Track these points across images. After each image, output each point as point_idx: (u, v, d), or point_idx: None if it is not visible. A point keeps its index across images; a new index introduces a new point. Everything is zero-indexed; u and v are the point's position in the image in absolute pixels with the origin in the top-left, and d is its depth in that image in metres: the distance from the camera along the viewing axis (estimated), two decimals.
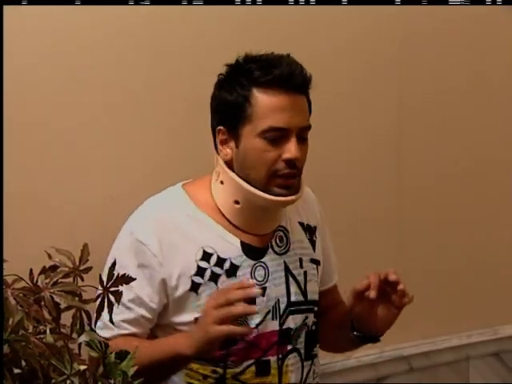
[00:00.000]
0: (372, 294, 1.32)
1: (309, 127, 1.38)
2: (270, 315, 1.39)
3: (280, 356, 1.40)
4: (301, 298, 1.43)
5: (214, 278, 1.36)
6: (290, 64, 1.36)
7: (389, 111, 2.08)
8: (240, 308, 1.26)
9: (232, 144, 1.37)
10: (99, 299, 0.89)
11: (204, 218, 1.40)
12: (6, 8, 1.42)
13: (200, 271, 1.36)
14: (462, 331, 2.28)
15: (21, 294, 0.81)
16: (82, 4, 1.56)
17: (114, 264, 0.99)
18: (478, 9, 2.07)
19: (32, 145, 1.56)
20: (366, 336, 1.43)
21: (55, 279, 0.84)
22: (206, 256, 1.37)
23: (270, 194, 1.34)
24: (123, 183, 1.63)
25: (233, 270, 1.37)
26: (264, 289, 1.38)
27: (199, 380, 1.37)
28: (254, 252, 1.40)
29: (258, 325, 1.37)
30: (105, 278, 0.90)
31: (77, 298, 0.84)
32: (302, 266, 1.45)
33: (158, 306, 1.36)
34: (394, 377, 2.14)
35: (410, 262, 2.15)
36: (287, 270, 1.42)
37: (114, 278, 0.88)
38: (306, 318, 1.44)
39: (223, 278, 1.36)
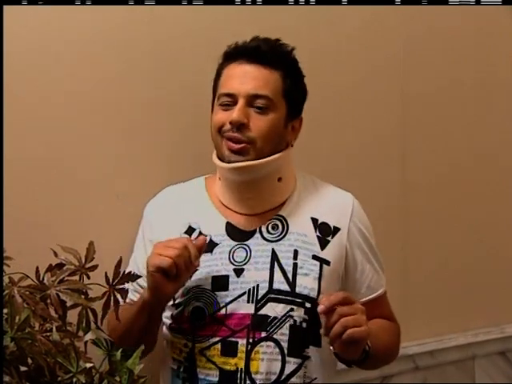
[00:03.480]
0: (321, 331, 1.32)
1: (262, 96, 1.39)
2: (245, 297, 1.39)
3: (250, 341, 1.38)
4: (285, 288, 1.40)
5: None
6: (256, 39, 1.44)
7: (393, 108, 2.08)
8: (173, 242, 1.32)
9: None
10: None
11: (203, 197, 1.49)
12: (6, 8, 1.42)
13: None
14: (468, 330, 2.27)
15: (27, 292, 0.81)
16: (81, 4, 1.56)
17: (119, 261, 0.99)
18: (481, 8, 2.06)
19: (38, 143, 1.56)
20: (343, 360, 1.42)
21: (61, 277, 0.84)
22: (190, 230, 1.44)
23: (224, 160, 1.40)
24: (129, 181, 1.63)
25: (210, 247, 1.41)
26: (241, 270, 1.40)
27: (177, 354, 1.42)
28: (238, 233, 1.43)
29: (227, 303, 1.38)
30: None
31: (83, 296, 0.84)
32: (295, 258, 1.43)
33: None
34: (399, 376, 2.13)
35: (415, 261, 2.15)
36: (274, 258, 1.41)
37: (120, 275, 0.88)
38: (291, 310, 1.40)
39: None
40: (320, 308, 1.30)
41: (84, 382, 0.84)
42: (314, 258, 1.44)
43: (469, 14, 2.11)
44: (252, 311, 1.38)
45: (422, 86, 2.10)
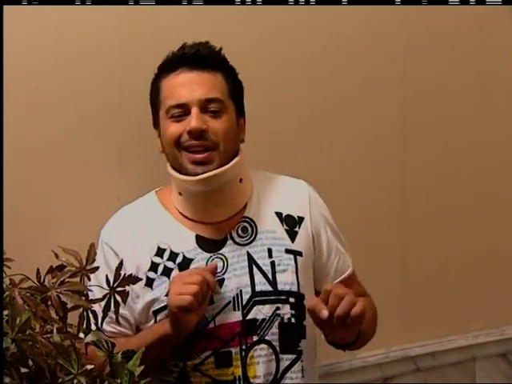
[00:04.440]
0: (324, 313, 1.29)
1: (215, 100, 1.39)
2: (231, 306, 1.38)
3: (243, 347, 1.38)
4: (268, 288, 1.40)
5: (167, 272, 1.39)
6: (191, 46, 1.42)
7: (393, 109, 2.08)
8: (198, 277, 1.29)
9: (158, 135, 1.44)
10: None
11: (163, 215, 1.44)
12: (6, 8, 1.42)
13: (153, 267, 1.39)
14: (469, 331, 2.27)
15: (28, 294, 0.81)
16: (81, 4, 1.56)
17: (120, 263, 0.98)
18: (481, 8, 2.06)
19: (37, 144, 1.56)
20: (336, 345, 1.43)
21: (62, 279, 0.84)
22: (160, 252, 1.40)
23: (187, 173, 1.37)
24: (129, 183, 1.63)
25: (186, 264, 1.39)
26: (222, 280, 1.39)
27: (166, 375, 1.39)
28: (210, 244, 1.41)
29: (215, 316, 1.37)
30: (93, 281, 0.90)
31: (83, 298, 0.84)
32: (270, 256, 1.43)
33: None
34: (400, 377, 2.14)
35: (415, 262, 2.15)
36: (251, 260, 1.41)
37: (121, 278, 0.88)
38: (278, 308, 1.40)
39: (176, 271, 1.38)
40: (324, 314, 1.28)
41: (85, 383, 0.83)
42: (288, 251, 1.44)
43: (469, 14, 2.11)
44: (240, 318, 1.38)
45: (422, 87, 2.10)
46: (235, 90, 1.45)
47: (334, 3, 1.85)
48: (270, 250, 1.43)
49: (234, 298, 1.38)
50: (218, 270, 1.39)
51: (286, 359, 1.41)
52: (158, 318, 1.38)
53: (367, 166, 2.03)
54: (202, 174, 1.36)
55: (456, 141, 2.20)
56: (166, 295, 1.36)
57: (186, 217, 1.43)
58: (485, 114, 2.25)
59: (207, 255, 1.40)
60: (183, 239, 1.41)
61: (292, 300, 1.42)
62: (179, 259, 1.39)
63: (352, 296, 1.30)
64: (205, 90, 1.38)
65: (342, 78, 1.96)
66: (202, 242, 1.41)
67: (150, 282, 1.39)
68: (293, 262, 1.44)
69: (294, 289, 1.42)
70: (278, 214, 1.47)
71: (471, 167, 2.24)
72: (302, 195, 1.52)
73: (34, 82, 1.54)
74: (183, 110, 1.37)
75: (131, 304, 1.38)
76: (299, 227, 1.48)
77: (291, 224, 1.47)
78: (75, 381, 0.82)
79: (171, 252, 1.40)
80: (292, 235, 1.46)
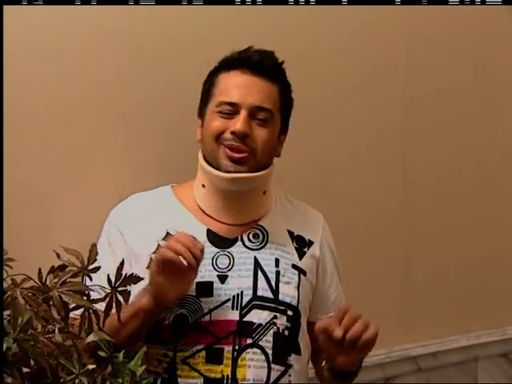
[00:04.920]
0: (337, 332, 1.27)
1: (265, 109, 1.40)
2: (230, 304, 1.37)
3: (236, 347, 1.37)
4: (269, 295, 1.40)
5: None
6: (258, 51, 1.43)
7: (394, 110, 2.08)
8: (176, 244, 1.26)
9: (201, 124, 1.45)
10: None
11: (177, 205, 1.45)
12: (6, 8, 1.43)
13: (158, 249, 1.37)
14: (471, 332, 2.27)
15: (30, 294, 0.81)
16: (81, 4, 1.56)
17: (122, 263, 0.98)
18: (482, 8, 2.07)
19: (38, 144, 1.56)
20: (337, 372, 1.40)
21: (63, 279, 0.84)
22: (169, 237, 1.38)
23: (220, 169, 1.38)
24: (131, 181, 1.63)
25: None
26: (225, 277, 1.39)
27: (155, 366, 1.37)
28: (220, 241, 1.40)
29: (211, 310, 1.36)
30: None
31: (85, 298, 0.84)
32: (277, 266, 1.43)
33: None
34: (402, 377, 2.13)
35: (417, 262, 2.15)
36: (257, 265, 1.41)
37: (122, 277, 0.88)
38: (275, 317, 1.40)
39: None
40: (338, 334, 1.27)
41: (86, 383, 0.83)
42: (294, 267, 1.45)
43: (469, 14, 2.11)
44: (237, 318, 1.37)
45: (423, 86, 2.10)
46: (286, 105, 1.47)
47: (334, 3, 1.85)
48: (277, 260, 1.43)
49: (234, 296, 1.38)
50: (223, 267, 1.39)
51: (277, 370, 1.39)
52: None
53: (368, 165, 2.03)
54: (234, 172, 1.37)
55: (458, 139, 2.20)
56: None
57: (202, 210, 1.43)
58: (485, 114, 2.25)
59: (215, 250, 1.40)
60: (194, 230, 1.38)
61: (290, 313, 1.42)
62: None
63: (366, 319, 1.30)
64: (259, 98, 1.39)
65: (343, 77, 1.96)
66: (213, 237, 1.41)
67: None
68: (297, 277, 1.45)
69: (294, 303, 1.42)
70: (290, 232, 1.49)
71: (471, 167, 2.24)
72: (316, 222, 1.54)
73: (34, 81, 1.54)
74: (233, 109, 1.38)
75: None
76: (308, 249, 1.49)
77: (301, 244, 1.49)
78: (77, 381, 0.83)
79: None
80: (300, 253, 1.48)
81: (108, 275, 0.95)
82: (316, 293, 1.51)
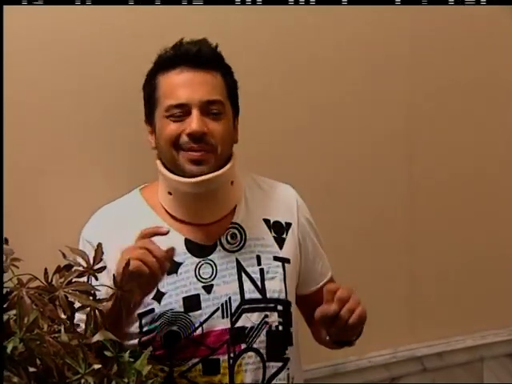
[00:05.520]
0: (334, 307, 1.27)
1: (216, 101, 1.35)
2: (219, 313, 1.36)
3: (232, 355, 1.35)
4: (257, 296, 1.38)
5: None
6: (190, 44, 1.37)
7: (399, 110, 2.07)
8: (143, 241, 1.23)
9: (152, 131, 1.41)
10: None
11: (149, 215, 1.40)
12: (6, 8, 1.43)
13: None
14: (476, 332, 2.27)
15: (36, 294, 0.81)
16: (81, 4, 1.56)
17: (128, 263, 0.97)
18: (486, 8, 2.06)
19: (40, 144, 1.57)
20: (339, 341, 1.41)
21: (69, 278, 0.84)
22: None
23: (182, 174, 1.34)
24: (131, 184, 1.63)
25: (174, 267, 1.35)
26: (211, 286, 1.36)
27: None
28: (199, 249, 1.38)
29: (202, 323, 1.35)
30: None
31: (91, 298, 0.84)
32: (259, 264, 1.41)
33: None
34: (407, 377, 2.13)
35: (422, 262, 2.14)
36: (240, 268, 1.39)
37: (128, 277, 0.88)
38: (266, 316, 1.39)
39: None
40: (332, 308, 1.27)
41: (92, 383, 0.84)
42: (276, 259, 1.43)
43: (473, 14, 2.11)
44: (228, 326, 1.36)
45: (428, 86, 2.10)
46: (232, 89, 1.42)
47: (334, 3, 1.84)
48: (258, 257, 1.41)
49: (222, 305, 1.36)
50: (207, 276, 1.37)
51: (273, 367, 1.40)
52: (143, 321, 1.34)
53: (373, 165, 2.03)
54: (198, 174, 1.33)
55: (464, 140, 2.19)
56: (153, 298, 1.32)
57: (174, 217, 1.39)
58: (490, 114, 2.24)
59: (196, 260, 1.37)
60: (172, 242, 1.32)
61: (280, 308, 1.41)
62: None
63: (356, 296, 1.30)
64: (206, 91, 1.35)
65: (348, 78, 1.96)
66: (191, 246, 1.38)
67: None
68: (281, 269, 1.43)
69: (282, 296, 1.41)
70: (266, 221, 1.46)
71: (480, 166, 2.24)
72: (290, 201, 1.50)
73: (34, 81, 1.54)
74: (183, 110, 1.34)
75: None
76: (286, 234, 1.46)
77: (279, 231, 1.46)
78: (83, 380, 0.83)
79: None
80: (280, 242, 1.45)
81: (113, 275, 0.95)
82: (302, 270, 1.49)
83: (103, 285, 0.90)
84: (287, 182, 1.54)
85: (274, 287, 1.40)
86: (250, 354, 1.37)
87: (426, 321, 2.16)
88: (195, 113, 1.33)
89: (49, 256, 0.94)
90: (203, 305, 1.35)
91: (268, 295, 1.39)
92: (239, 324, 1.36)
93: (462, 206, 2.20)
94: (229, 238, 1.40)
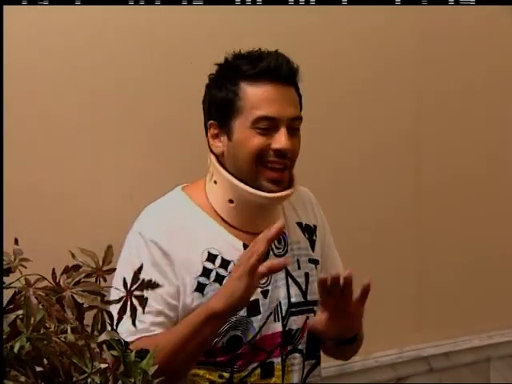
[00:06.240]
0: (336, 272, 1.34)
1: (299, 118, 1.39)
2: (272, 317, 1.39)
3: (284, 357, 1.40)
4: (301, 299, 1.43)
5: (219, 279, 1.36)
6: (276, 57, 1.38)
7: (407, 110, 2.07)
8: (261, 245, 1.24)
9: (224, 138, 1.38)
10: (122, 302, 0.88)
11: (206, 219, 1.41)
12: (6, 8, 1.43)
13: (206, 272, 1.36)
14: (483, 332, 2.27)
15: (43, 294, 0.81)
16: (81, 4, 1.56)
17: (140, 268, 0.96)
18: (496, 8, 2.06)
19: (43, 144, 1.57)
20: (342, 341, 1.44)
21: (77, 279, 0.84)
22: (212, 257, 1.37)
23: (260, 189, 1.35)
24: (143, 182, 1.63)
25: None
26: (267, 292, 1.39)
27: None
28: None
29: (261, 327, 1.38)
30: (118, 283, 0.87)
31: (99, 298, 0.84)
32: (299, 268, 1.45)
33: (177, 302, 1.35)
34: (414, 377, 2.13)
35: (429, 262, 2.14)
36: (287, 272, 1.42)
37: (139, 282, 0.88)
38: (307, 318, 1.44)
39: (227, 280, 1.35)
40: (337, 272, 1.33)
41: (99, 382, 0.84)
42: (310, 261, 1.47)
43: (482, 15, 2.10)
44: (280, 329, 1.40)
45: (436, 86, 2.10)
46: (301, 107, 1.44)
47: (334, 3, 1.84)
48: (298, 261, 1.45)
49: (274, 309, 1.40)
50: (264, 281, 1.38)
51: (307, 364, 1.45)
52: None
53: (380, 166, 2.03)
54: (278, 191, 1.36)
55: (472, 140, 2.19)
56: None
57: (230, 224, 1.40)
58: (498, 114, 2.24)
59: None
60: (232, 247, 1.38)
61: (315, 308, 1.45)
62: (231, 267, 1.36)
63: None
64: (294, 108, 1.38)
65: (356, 78, 1.96)
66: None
67: (201, 288, 1.35)
68: (315, 271, 1.48)
69: (317, 297, 1.44)
70: (300, 225, 1.49)
71: (487, 166, 2.24)
72: (311, 203, 1.54)
73: (34, 81, 1.55)
74: (270, 125, 1.34)
75: (180, 303, 1.35)
76: (315, 236, 1.51)
77: (310, 233, 1.50)
78: (89, 380, 0.83)
79: (223, 259, 1.37)
80: (312, 244, 1.50)
81: (124, 278, 0.93)
82: (322, 269, 1.52)
83: (110, 286, 0.90)
84: None
85: (314, 290, 1.45)
86: (296, 354, 1.42)
87: (433, 321, 2.16)
88: (283, 130, 1.35)
89: (60, 256, 0.94)
90: (262, 309, 1.38)
91: (309, 298, 1.45)
92: (288, 327, 1.41)
93: (471, 206, 2.20)
94: (276, 243, 1.42)
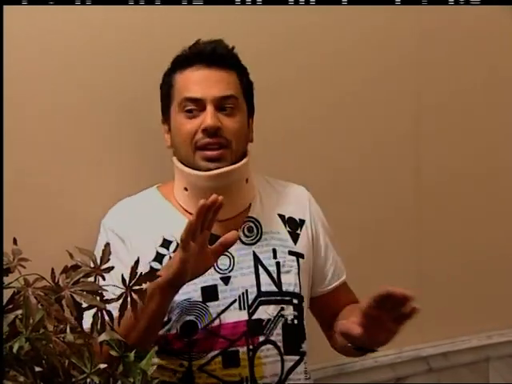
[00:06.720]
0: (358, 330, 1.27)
1: (230, 97, 1.40)
2: (237, 305, 1.38)
3: (251, 347, 1.38)
4: (273, 289, 1.41)
5: None
6: (207, 43, 1.42)
7: (407, 110, 2.07)
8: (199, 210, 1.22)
9: (168, 129, 1.45)
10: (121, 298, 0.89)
11: (169, 208, 1.44)
12: (6, 8, 1.43)
13: (158, 257, 1.39)
14: (482, 332, 2.27)
15: (42, 293, 0.82)
16: (81, 4, 1.56)
17: (137, 261, 0.96)
18: (497, 9, 2.06)
19: (42, 144, 1.57)
20: (362, 348, 1.40)
21: (76, 278, 0.85)
22: (166, 243, 1.40)
23: (200, 170, 1.38)
24: (140, 183, 1.63)
25: None
26: (228, 278, 1.39)
27: (170, 376, 1.37)
28: (216, 241, 1.38)
29: (219, 314, 1.37)
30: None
31: (98, 298, 0.85)
32: (275, 257, 1.44)
33: None
34: (412, 377, 2.13)
35: (428, 262, 2.14)
36: (257, 260, 1.42)
37: (137, 276, 0.89)
38: (282, 309, 1.42)
39: None
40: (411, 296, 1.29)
41: (98, 382, 0.84)
42: (291, 253, 1.46)
43: (483, 15, 2.10)
44: (246, 317, 1.38)
45: (436, 87, 2.10)
46: (248, 89, 1.47)
47: (334, 3, 1.84)
48: (274, 251, 1.44)
49: (239, 296, 1.39)
50: (224, 268, 1.39)
51: (290, 360, 1.42)
52: None
53: (380, 166, 2.03)
54: (214, 169, 1.37)
55: (472, 140, 2.19)
56: None
57: (189, 212, 1.42)
58: (499, 115, 2.23)
59: None
60: None
61: (295, 301, 1.44)
62: None
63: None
64: (220, 88, 1.39)
65: (355, 78, 1.96)
66: (210, 239, 1.37)
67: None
68: (295, 263, 1.46)
69: (297, 290, 1.44)
70: (281, 216, 1.49)
71: (487, 166, 2.23)
72: (303, 199, 1.54)
73: (34, 81, 1.55)
74: (198, 107, 1.38)
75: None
76: (301, 230, 1.50)
77: (293, 226, 1.50)
78: (88, 380, 0.83)
79: (178, 245, 1.36)
80: (294, 237, 1.48)
81: (122, 275, 0.95)
82: (315, 268, 1.52)
83: (110, 284, 0.90)
84: (293, 182, 1.56)
85: (290, 281, 1.43)
86: (269, 346, 1.39)
87: (432, 321, 2.15)
88: (209, 108, 1.37)
89: (58, 256, 0.94)
90: (220, 296, 1.38)
91: (284, 288, 1.42)
92: (256, 316, 1.39)
93: (471, 206, 2.20)
94: (246, 231, 1.44)
